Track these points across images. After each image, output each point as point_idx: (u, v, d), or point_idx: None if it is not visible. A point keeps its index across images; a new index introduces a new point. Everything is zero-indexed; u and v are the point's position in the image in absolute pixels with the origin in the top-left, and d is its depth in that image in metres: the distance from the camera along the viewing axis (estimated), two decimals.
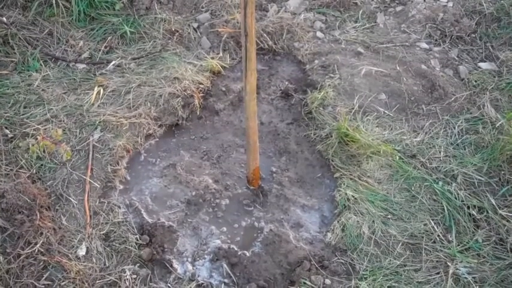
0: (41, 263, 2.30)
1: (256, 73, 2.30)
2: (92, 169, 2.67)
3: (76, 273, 2.28)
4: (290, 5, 3.78)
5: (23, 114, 2.94)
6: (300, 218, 2.59)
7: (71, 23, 3.56)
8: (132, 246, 2.40)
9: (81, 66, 3.34)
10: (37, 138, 2.56)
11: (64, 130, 2.82)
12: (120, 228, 2.46)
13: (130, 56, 3.39)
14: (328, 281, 2.30)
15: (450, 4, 3.72)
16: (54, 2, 3.49)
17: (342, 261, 2.39)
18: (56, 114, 2.94)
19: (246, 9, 2.02)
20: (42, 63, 3.30)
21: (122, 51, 3.44)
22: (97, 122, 2.88)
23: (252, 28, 2.09)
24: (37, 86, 3.14)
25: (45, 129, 2.83)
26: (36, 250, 2.31)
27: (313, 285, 2.27)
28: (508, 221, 2.48)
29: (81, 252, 2.37)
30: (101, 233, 2.44)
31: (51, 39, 3.47)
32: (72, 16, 3.55)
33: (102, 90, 3.09)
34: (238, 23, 3.53)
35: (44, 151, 2.62)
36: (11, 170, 2.62)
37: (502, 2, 3.63)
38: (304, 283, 2.27)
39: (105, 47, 3.44)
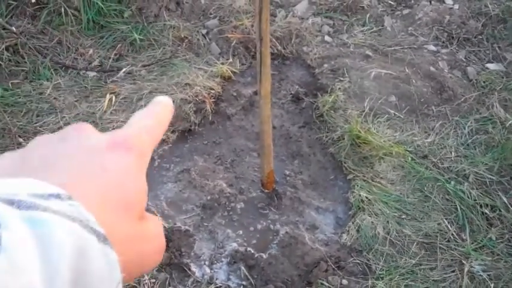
0: None
1: None
2: None
3: None
4: (297, 10, 3.82)
5: (36, 123, 2.97)
6: (315, 220, 2.61)
7: (80, 32, 3.60)
8: None
9: (91, 74, 3.37)
10: None
11: None
12: None
13: (140, 63, 3.42)
14: (345, 282, 2.33)
15: (456, 6, 3.76)
16: (63, 11, 3.53)
17: (358, 261, 2.41)
18: (69, 122, 2.96)
19: (261, 15, 2.05)
20: (52, 72, 3.33)
21: (131, 58, 3.47)
22: (110, 129, 2.91)
23: (266, 33, 2.12)
24: (48, 94, 3.17)
25: None
26: None
27: (330, 286, 2.29)
28: None
29: None
30: None
31: (60, 48, 3.50)
32: (81, 25, 3.59)
33: (114, 98, 3.12)
34: (246, 28, 3.57)
35: None
36: None
37: (507, 3, 3.67)
38: (322, 284, 2.29)
39: (115, 55, 3.48)
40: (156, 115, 0.46)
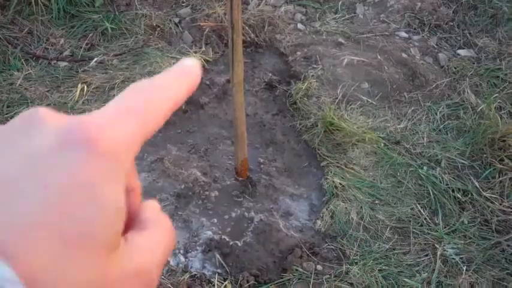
0: None
1: None
2: None
3: None
4: None
5: (6, 114, 2.92)
6: (289, 207, 2.62)
7: (51, 21, 3.53)
8: None
9: (63, 64, 3.32)
10: None
11: None
12: None
13: (112, 52, 3.38)
14: (319, 267, 2.34)
15: None
16: (33, 0, 3.46)
17: (332, 247, 2.43)
18: None
19: (232, 1, 2.04)
20: (23, 62, 3.27)
21: (103, 47, 3.43)
22: None
23: (238, 20, 2.11)
24: (19, 85, 3.11)
25: None
26: None
27: (305, 272, 2.31)
28: (491, 202, 2.55)
29: None
30: None
31: (31, 38, 3.44)
32: (52, 14, 3.53)
33: (85, 87, 3.08)
34: (219, 16, 3.55)
35: None
36: None
37: None
38: (296, 270, 2.30)
39: (87, 44, 3.43)
40: (159, 88, 0.31)
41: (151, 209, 0.32)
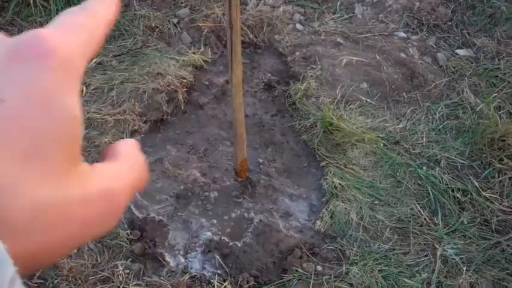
0: None
1: None
2: None
3: (68, 271, 2.27)
4: None
5: None
6: (289, 208, 2.62)
7: (50, 23, 3.53)
8: (123, 241, 2.40)
9: None
10: None
11: None
12: None
13: (111, 53, 3.37)
14: (319, 268, 2.34)
15: None
16: (31, 1, 3.46)
17: (332, 247, 2.43)
18: None
19: (231, 2, 2.04)
20: None
21: (102, 48, 3.42)
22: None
23: (236, 20, 2.10)
24: None
25: None
26: None
27: (305, 272, 2.31)
28: (491, 202, 2.55)
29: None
30: None
31: None
32: (51, 15, 3.52)
33: (84, 88, 3.07)
34: (218, 17, 3.54)
35: None
36: None
37: None
38: (296, 270, 2.30)
39: None
40: (92, 10, 0.33)
41: (125, 144, 0.33)
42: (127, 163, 0.31)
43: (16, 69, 0.25)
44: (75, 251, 2.36)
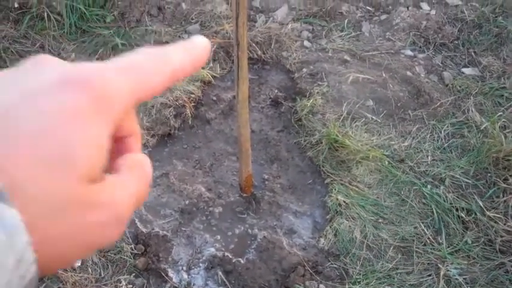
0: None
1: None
2: None
3: (72, 285, 2.29)
4: (277, 16, 3.84)
5: None
6: (293, 224, 2.63)
7: (63, 36, 3.59)
8: (127, 256, 2.42)
9: None
10: None
11: None
12: None
13: None
14: (322, 286, 2.34)
15: (433, 12, 3.81)
16: (45, 15, 3.52)
17: (336, 266, 2.43)
18: None
19: (238, 20, 2.07)
20: None
21: None
22: None
23: (244, 37, 2.13)
24: None
25: None
26: None
27: None
28: (495, 222, 2.54)
29: (77, 263, 2.39)
30: None
31: (43, 52, 3.44)
32: (64, 29, 3.59)
33: None
34: (227, 33, 3.58)
35: None
36: None
37: (482, 9, 3.73)
38: None
39: (97, 59, 3.47)
40: (165, 55, 0.35)
41: (135, 157, 0.35)
42: (134, 176, 0.33)
43: (59, 93, 0.29)
44: (79, 264, 2.38)
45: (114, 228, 0.31)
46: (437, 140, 2.96)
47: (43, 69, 0.31)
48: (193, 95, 3.20)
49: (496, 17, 3.68)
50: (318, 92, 3.17)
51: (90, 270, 2.36)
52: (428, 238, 2.51)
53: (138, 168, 0.34)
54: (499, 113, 3.02)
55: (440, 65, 3.46)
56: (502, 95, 3.18)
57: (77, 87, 0.29)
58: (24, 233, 0.26)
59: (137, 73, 0.32)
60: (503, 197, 2.63)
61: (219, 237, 2.57)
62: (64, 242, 0.29)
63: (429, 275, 2.38)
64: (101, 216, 0.30)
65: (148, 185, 0.35)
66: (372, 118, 3.06)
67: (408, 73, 3.33)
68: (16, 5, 3.53)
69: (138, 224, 2.59)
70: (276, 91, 3.35)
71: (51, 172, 0.27)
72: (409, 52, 3.53)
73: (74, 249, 0.30)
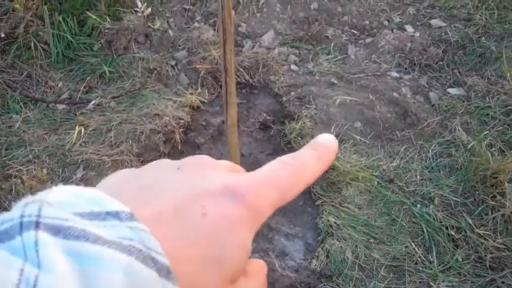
0: None
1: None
2: None
3: None
4: (264, 40, 3.90)
5: (4, 156, 2.96)
6: (285, 247, 2.64)
7: (50, 65, 3.61)
8: None
9: (61, 106, 3.38)
10: (21, 179, 2.58)
11: (47, 170, 2.85)
12: None
13: (110, 95, 3.44)
14: None
15: (417, 34, 3.88)
16: (32, 45, 3.55)
17: (328, 286, 2.43)
18: (38, 155, 2.96)
19: (225, 46, 2.10)
20: (22, 105, 3.33)
21: (101, 90, 3.49)
22: (79, 161, 2.91)
23: (231, 63, 2.16)
24: (18, 127, 3.16)
25: (28, 170, 2.85)
26: None
27: None
28: (485, 239, 2.57)
29: None
30: None
31: (30, 82, 3.51)
32: (51, 58, 3.61)
33: (83, 130, 3.13)
34: (215, 59, 3.62)
35: (30, 190, 2.64)
36: None
37: (466, 30, 3.81)
38: None
39: (85, 87, 3.49)
40: (303, 163, 0.39)
41: (259, 263, 0.39)
42: (259, 280, 0.37)
43: (219, 200, 0.33)
44: None
45: None
46: (425, 160, 3.00)
47: (206, 172, 0.36)
48: (182, 121, 3.22)
49: (479, 37, 3.75)
50: (306, 115, 3.20)
51: None
52: (420, 257, 2.52)
53: (261, 275, 0.38)
54: (485, 132, 3.07)
55: (426, 85, 3.52)
56: (488, 114, 3.23)
57: (237, 198, 0.33)
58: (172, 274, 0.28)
59: (280, 189, 0.36)
60: (492, 214, 2.66)
61: None
62: None
63: None
64: None
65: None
66: (360, 139, 3.10)
67: (395, 94, 3.38)
68: (2, 35, 3.56)
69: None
70: (265, 115, 3.38)
71: (204, 269, 0.31)
72: (395, 74, 3.59)
73: None
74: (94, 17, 3.75)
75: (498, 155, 2.92)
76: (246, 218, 0.33)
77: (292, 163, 0.38)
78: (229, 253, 0.32)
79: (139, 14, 3.87)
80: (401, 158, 3.00)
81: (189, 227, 0.31)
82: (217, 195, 0.33)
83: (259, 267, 0.38)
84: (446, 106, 3.32)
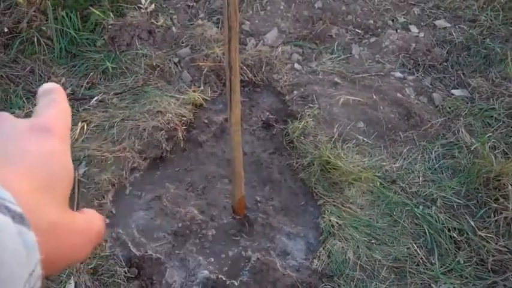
0: None
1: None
2: (78, 204, 2.68)
3: None
4: (268, 39, 3.88)
5: None
6: (286, 246, 2.63)
7: (53, 60, 3.60)
8: (120, 279, 2.40)
9: None
10: None
11: None
12: (108, 262, 2.47)
13: (112, 91, 3.43)
14: None
15: (422, 34, 3.86)
16: (35, 40, 3.54)
17: (329, 287, 2.43)
18: None
19: (230, 44, 2.09)
20: (25, 100, 3.33)
21: (104, 86, 3.48)
22: (82, 157, 2.91)
23: (236, 61, 2.15)
24: None
25: None
26: None
27: None
28: (487, 241, 2.56)
29: (70, 287, 2.37)
30: (89, 267, 2.44)
31: (33, 77, 3.50)
32: (54, 53, 3.60)
33: (86, 126, 3.12)
34: (218, 56, 3.61)
35: None
36: None
37: (470, 31, 3.79)
38: None
39: (87, 83, 3.48)
40: (57, 102, 0.48)
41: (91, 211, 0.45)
42: (92, 217, 0.44)
43: (35, 137, 0.40)
44: (73, 287, 2.36)
45: (87, 249, 0.41)
46: (428, 161, 2.99)
47: (11, 123, 0.42)
48: (184, 118, 3.21)
49: (483, 39, 3.74)
50: (309, 114, 3.19)
51: None
52: (421, 258, 2.51)
53: (97, 215, 0.45)
54: (489, 134, 3.06)
55: (430, 86, 3.51)
56: (491, 116, 3.22)
57: (46, 132, 0.41)
58: (37, 252, 0.32)
59: (65, 118, 0.47)
60: (494, 216, 2.65)
61: (212, 259, 2.56)
62: (55, 258, 0.37)
63: None
64: (82, 239, 0.41)
65: (103, 225, 0.45)
66: (363, 140, 3.09)
67: (398, 95, 3.37)
68: (6, 30, 3.55)
69: (131, 247, 2.58)
70: (268, 113, 3.37)
71: (45, 197, 0.36)
72: (398, 74, 3.58)
73: (60, 264, 0.38)
74: (97, 12, 3.74)
75: (501, 158, 2.91)
76: (59, 146, 0.41)
77: (52, 101, 0.48)
78: (58, 177, 0.39)
79: (142, 11, 3.86)
80: (404, 159, 2.99)
81: (20, 165, 0.37)
82: (31, 134, 0.40)
83: (91, 211, 0.45)
84: (450, 107, 3.31)
